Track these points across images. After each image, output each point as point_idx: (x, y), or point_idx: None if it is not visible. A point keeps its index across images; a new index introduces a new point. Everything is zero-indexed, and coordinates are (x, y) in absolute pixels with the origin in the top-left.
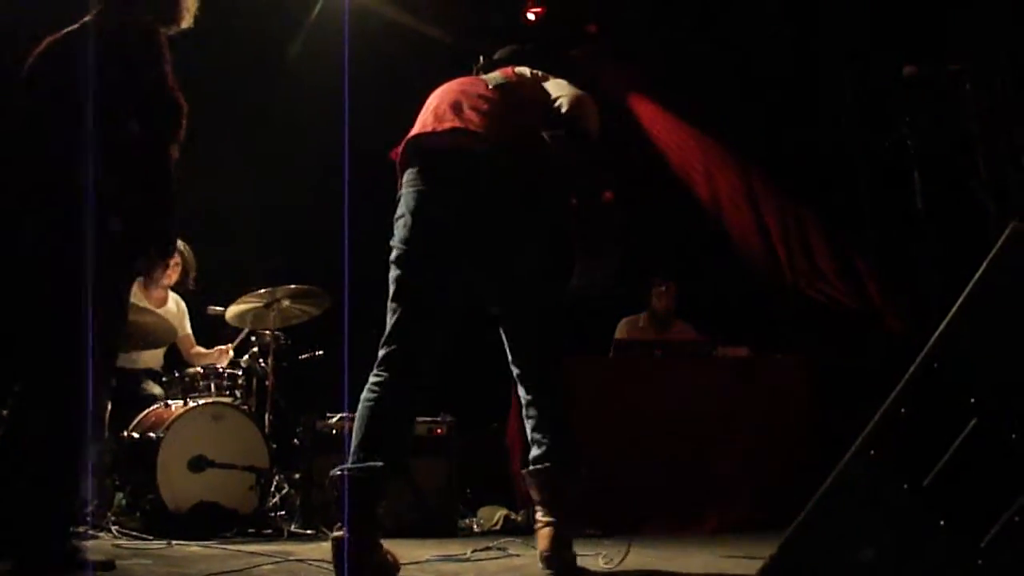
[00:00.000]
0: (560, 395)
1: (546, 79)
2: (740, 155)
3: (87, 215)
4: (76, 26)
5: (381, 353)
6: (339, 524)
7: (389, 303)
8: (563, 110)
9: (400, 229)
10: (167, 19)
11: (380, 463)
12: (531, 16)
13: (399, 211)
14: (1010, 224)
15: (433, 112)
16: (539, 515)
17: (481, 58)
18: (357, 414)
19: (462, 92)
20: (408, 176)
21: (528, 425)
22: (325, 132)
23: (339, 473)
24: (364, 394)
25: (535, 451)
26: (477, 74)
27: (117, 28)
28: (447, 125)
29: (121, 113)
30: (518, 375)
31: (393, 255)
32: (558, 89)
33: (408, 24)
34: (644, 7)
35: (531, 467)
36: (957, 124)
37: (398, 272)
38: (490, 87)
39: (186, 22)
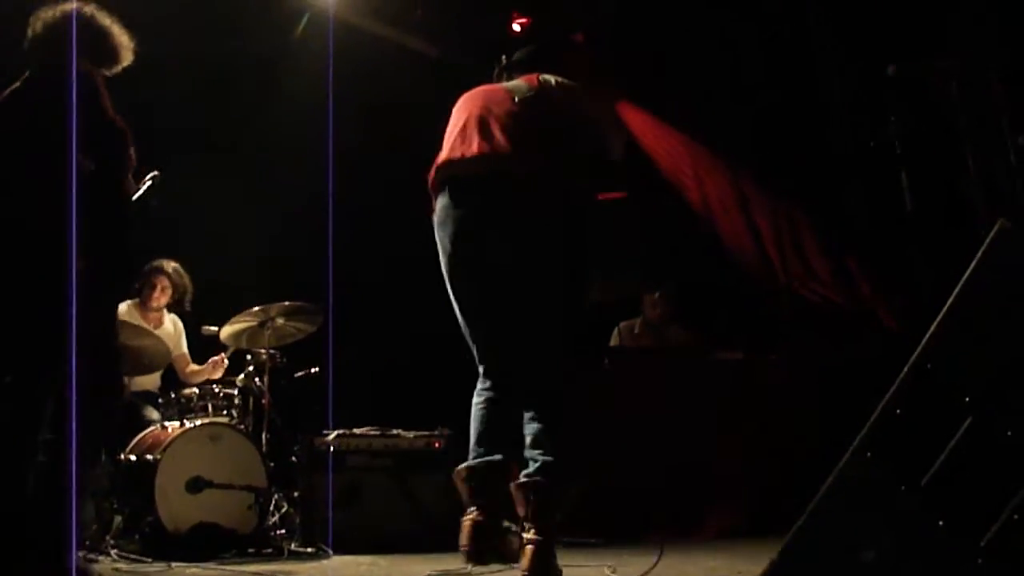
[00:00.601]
0: (561, 413)
1: (574, 89)
2: (730, 158)
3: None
4: (18, 84)
5: (480, 370)
6: (470, 509)
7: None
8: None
9: (442, 257)
10: (105, 61)
11: (499, 456)
12: (517, 27)
13: (437, 235)
14: (998, 222)
15: (461, 134)
16: (525, 532)
17: (504, 58)
18: (472, 417)
19: (488, 109)
20: (441, 202)
21: (526, 441)
22: (315, 148)
23: (465, 468)
24: (475, 399)
25: (528, 467)
26: (499, 76)
27: (56, 79)
28: (475, 151)
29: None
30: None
31: (447, 282)
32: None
33: (394, 39)
34: (632, 10)
35: (521, 481)
36: (945, 122)
37: (455, 303)
38: (516, 100)
39: (125, 59)
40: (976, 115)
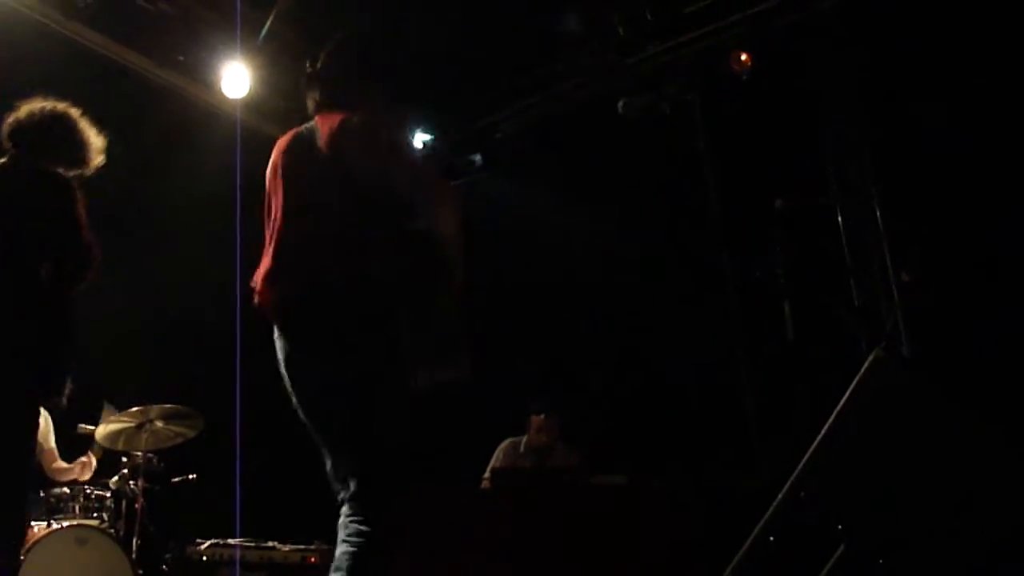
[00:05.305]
0: (374, 534)
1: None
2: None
3: None
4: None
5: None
6: None
7: None
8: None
9: None
10: (76, 163)
11: None
12: None
13: None
14: (873, 351)
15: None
16: None
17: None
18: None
19: (273, 203)
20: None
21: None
22: (213, 249)
23: None
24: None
25: None
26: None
27: (27, 177)
28: (262, 272)
29: (33, 259)
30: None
31: None
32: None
33: None
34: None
35: None
36: (828, 254)
37: None
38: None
39: (95, 163)
40: (860, 248)
